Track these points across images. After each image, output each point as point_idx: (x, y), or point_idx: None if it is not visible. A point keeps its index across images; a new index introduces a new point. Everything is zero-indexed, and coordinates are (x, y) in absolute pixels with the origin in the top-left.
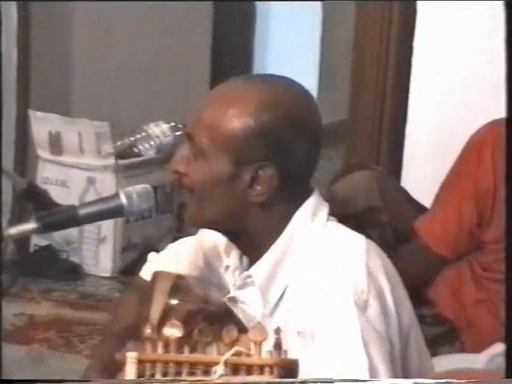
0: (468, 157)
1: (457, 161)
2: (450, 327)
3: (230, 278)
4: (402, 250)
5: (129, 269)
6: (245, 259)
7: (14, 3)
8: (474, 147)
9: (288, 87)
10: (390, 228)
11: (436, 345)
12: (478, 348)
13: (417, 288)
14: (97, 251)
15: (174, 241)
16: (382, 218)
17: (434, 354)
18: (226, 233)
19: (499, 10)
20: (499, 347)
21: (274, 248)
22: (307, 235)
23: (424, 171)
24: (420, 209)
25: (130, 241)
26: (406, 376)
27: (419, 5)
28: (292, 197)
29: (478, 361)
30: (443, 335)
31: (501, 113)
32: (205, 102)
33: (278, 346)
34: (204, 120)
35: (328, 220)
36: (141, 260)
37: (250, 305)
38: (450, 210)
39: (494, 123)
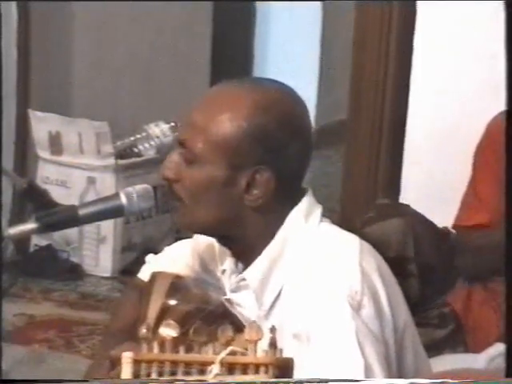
0: (485, 145)
1: (475, 152)
2: (456, 328)
3: (227, 282)
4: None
5: (129, 269)
6: (240, 263)
7: (13, 3)
8: (490, 135)
9: (279, 90)
10: (416, 280)
11: (442, 346)
12: (481, 349)
13: None
14: (97, 251)
15: (174, 241)
16: (411, 269)
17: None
18: (219, 238)
19: (499, 9)
20: (499, 347)
21: (267, 250)
22: (301, 236)
23: (424, 171)
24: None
25: (130, 241)
26: (401, 376)
27: (419, 5)
28: (286, 199)
29: (478, 361)
30: (449, 336)
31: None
32: (197, 107)
33: (273, 345)
34: (197, 125)
35: (321, 221)
36: (141, 260)
37: (245, 307)
38: (478, 202)
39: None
